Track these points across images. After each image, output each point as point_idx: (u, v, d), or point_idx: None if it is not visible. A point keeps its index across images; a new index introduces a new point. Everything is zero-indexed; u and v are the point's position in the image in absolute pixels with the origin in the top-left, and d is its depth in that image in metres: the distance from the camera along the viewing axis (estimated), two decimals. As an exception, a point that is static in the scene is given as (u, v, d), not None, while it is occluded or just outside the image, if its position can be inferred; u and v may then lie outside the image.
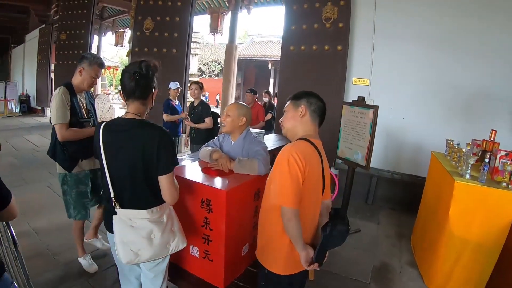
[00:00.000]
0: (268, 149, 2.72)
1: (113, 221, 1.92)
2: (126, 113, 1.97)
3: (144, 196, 1.94)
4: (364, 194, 6.01)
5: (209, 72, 31.49)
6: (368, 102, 4.97)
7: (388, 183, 5.87)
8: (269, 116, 7.58)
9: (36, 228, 4.52)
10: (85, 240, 3.83)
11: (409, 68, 5.55)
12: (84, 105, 3.32)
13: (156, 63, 2.00)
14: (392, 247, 4.46)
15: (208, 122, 5.69)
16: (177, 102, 6.32)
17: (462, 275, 3.27)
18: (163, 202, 1.98)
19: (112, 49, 27.53)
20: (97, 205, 3.73)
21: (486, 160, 3.28)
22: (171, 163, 1.92)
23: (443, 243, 3.32)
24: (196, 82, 5.90)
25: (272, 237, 2.02)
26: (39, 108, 16.53)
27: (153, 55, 7.94)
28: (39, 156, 8.69)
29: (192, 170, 2.59)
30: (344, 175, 4.92)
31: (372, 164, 4.55)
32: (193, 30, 8.35)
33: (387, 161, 5.86)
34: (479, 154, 3.76)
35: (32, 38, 16.75)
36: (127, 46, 8.93)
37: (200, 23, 24.15)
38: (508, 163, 3.10)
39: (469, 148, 3.60)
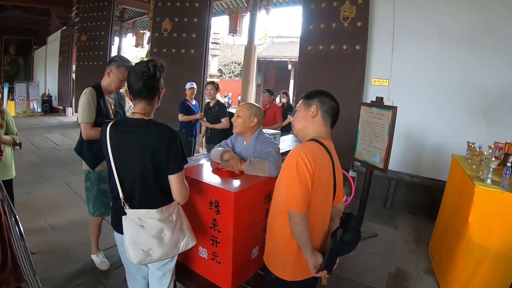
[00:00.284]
0: (284, 150, 2.65)
1: (123, 221, 1.90)
2: (133, 113, 1.96)
3: (153, 196, 1.94)
4: (383, 197, 5.86)
5: (229, 73, 31.65)
6: (387, 103, 4.86)
7: (407, 186, 5.71)
8: (289, 118, 7.49)
9: (52, 224, 4.59)
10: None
11: (430, 68, 5.37)
12: (112, 106, 3.40)
13: (163, 63, 1.98)
14: (409, 253, 4.32)
15: (224, 122, 5.66)
16: (194, 102, 6.31)
17: (481, 284, 3.11)
18: (172, 201, 1.97)
19: (133, 50, 27.90)
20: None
21: (509, 164, 3.11)
22: (181, 162, 1.92)
23: (462, 250, 3.17)
24: (212, 83, 5.90)
25: (279, 241, 1.94)
26: (61, 107, 16.90)
27: (172, 56, 8.06)
28: (59, 154, 8.88)
29: (202, 171, 2.55)
30: (363, 177, 4.81)
31: (391, 167, 4.44)
32: (213, 31, 8.40)
33: (407, 164, 5.70)
34: (501, 157, 3.59)
35: (54, 40, 17.15)
36: (147, 47, 9.02)
37: (220, 24, 24.33)
38: (532, 168, 2.96)
39: (491, 152, 3.46)
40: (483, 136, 4.64)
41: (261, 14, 11.55)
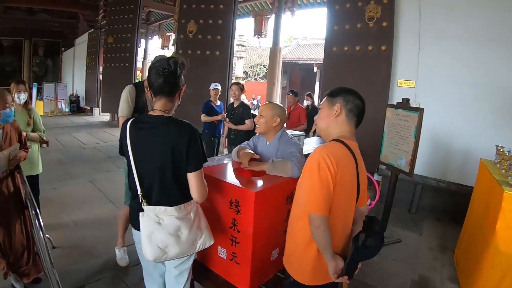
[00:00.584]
0: (307, 152, 2.60)
1: (140, 218, 1.90)
2: (153, 110, 1.95)
3: (172, 193, 1.92)
4: (408, 202, 5.71)
5: (255, 75, 31.71)
6: (414, 105, 4.75)
7: (433, 191, 5.54)
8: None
9: (75, 220, 4.70)
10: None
11: (457, 69, 5.19)
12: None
13: (184, 60, 1.97)
14: (433, 260, 4.18)
15: (248, 123, 5.61)
16: (218, 103, 6.32)
17: (507, 295, 2.98)
18: (190, 199, 1.96)
19: (159, 52, 28.31)
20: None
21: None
22: (200, 160, 1.91)
23: (488, 259, 3.03)
24: (237, 83, 5.89)
25: (299, 244, 1.89)
26: (88, 108, 17.34)
27: (197, 58, 8.14)
28: (85, 153, 9.11)
29: (223, 170, 2.53)
30: (387, 181, 4.71)
31: (416, 171, 4.32)
32: (238, 34, 8.42)
33: (433, 168, 5.53)
34: (532, 162, 3.45)
35: (81, 42, 17.61)
36: (172, 49, 9.15)
37: (245, 26, 24.45)
38: None
39: (521, 156, 3.32)
40: (513, 140, 4.46)
41: (285, 16, 11.50)
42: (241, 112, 5.68)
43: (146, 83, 3.38)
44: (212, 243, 2.04)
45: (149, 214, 1.89)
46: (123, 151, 2.02)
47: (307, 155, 2.18)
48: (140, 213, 1.91)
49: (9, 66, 21.25)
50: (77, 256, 3.78)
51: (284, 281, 2.08)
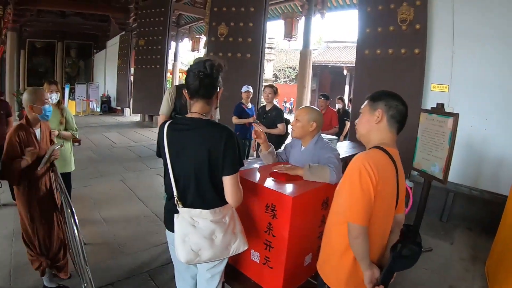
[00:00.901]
0: (340, 156, 2.58)
1: (175, 219, 1.91)
2: (191, 112, 1.96)
3: (207, 196, 1.92)
4: (439, 210, 5.55)
5: (284, 78, 31.71)
6: (447, 109, 4.64)
7: (465, 199, 5.36)
8: (347, 124, 7.35)
9: (105, 218, 4.80)
10: None
11: (493, 73, 4.99)
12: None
13: (221, 63, 1.97)
14: (464, 271, 4.05)
15: (281, 127, 5.56)
16: (250, 105, 6.32)
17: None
18: (226, 202, 1.95)
19: (189, 55, 28.71)
20: None
21: None
22: (236, 164, 1.90)
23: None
24: (271, 86, 5.83)
25: (335, 251, 1.86)
26: (119, 108, 17.75)
27: (228, 60, 8.03)
28: (115, 152, 9.31)
29: (259, 174, 2.52)
30: (419, 188, 4.61)
31: (449, 178, 4.20)
32: (268, 36, 8.42)
33: (466, 175, 5.34)
34: None
35: (113, 44, 18.05)
36: (203, 52, 9.27)
37: (274, 28, 24.50)
38: None
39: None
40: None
41: (315, 19, 11.45)
42: (274, 116, 5.62)
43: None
44: (246, 248, 2.03)
45: (184, 216, 1.90)
46: (160, 152, 2.03)
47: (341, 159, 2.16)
48: (175, 215, 1.92)
49: (42, 67, 21.97)
50: (107, 254, 3.85)
51: (317, 286, 2.05)
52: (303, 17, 11.27)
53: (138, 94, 13.76)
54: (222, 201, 1.94)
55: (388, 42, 5.81)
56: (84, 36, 22.23)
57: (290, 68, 30.77)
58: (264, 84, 8.19)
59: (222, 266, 2.12)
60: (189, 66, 1.97)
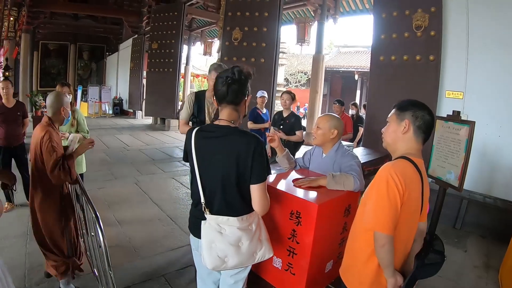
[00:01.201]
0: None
1: (202, 226, 1.92)
2: (219, 119, 1.97)
3: (234, 203, 1.93)
4: (452, 217, 5.51)
5: (295, 82, 31.67)
6: (462, 117, 4.64)
7: (479, 207, 5.32)
8: (361, 130, 7.35)
9: (120, 220, 4.81)
10: None
11: (508, 80, 4.97)
12: (210, 108, 3.73)
13: (250, 69, 1.99)
14: (478, 279, 4.04)
15: (299, 134, 5.51)
16: (264, 110, 6.31)
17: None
18: (253, 210, 1.96)
19: (201, 58, 28.81)
20: None
21: None
22: (265, 172, 1.90)
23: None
24: (288, 92, 5.77)
25: (359, 258, 1.89)
26: (131, 111, 17.93)
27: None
28: (128, 154, 9.37)
29: (283, 181, 2.53)
30: (433, 195, 4.60)
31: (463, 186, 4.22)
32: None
33: (480, 182, 5.31)
34: None
35: (126, 47, 18.18)
36: (215, 56, 9.33)
37: (286, 33, 24.46)
38: None
39: None
40: None
41: (328, 24, 11.46)
42: (293, 123, 5.55)
43: (204, 90, 3.73)
44: (271, 255, 2.03)
45: (211, 223, 1.91)
46: (187, 157, 2.05)
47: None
48: (202, 222, 1.93)
49: (54, 68, 22.30)
50: (122, 256, 3.85)
51: (339, 291, 2.07)
52: (316, 22, 11.30)
53: (151, 97, 13.87)
54: (248, 209, 1.95)
55: (403, 49, 5.79)
56: (96, 38, 22.57)
57: (302, 72, 30.73)
58: (286, 89, 8.21)
59: (246, 272, 2.13)
60: (218, 74, 2.00)
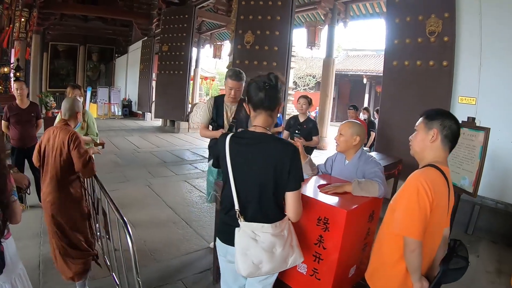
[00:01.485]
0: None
1: (236, 233, 1.92)
2: (254, 126, 1.98)
3: (269, 210, 1.94)
4: (464, 223, 5.49)
5: (304, 86, 31.65)
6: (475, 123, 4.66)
7: (491, 212, 5.30)
8: (372, 135, 7.36)
9: (134, 223, 4.74)
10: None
11: None
12: (229, 112, 3.83)
13: (282, 77, 2.01)
14: (490, 284, 4.04)
15: (316, 140, 5.49)
16: (278, 114, 6.25)
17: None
18: (284, 216, 1.97)
19: (210, 61, 28.95)
20: None
21: None
22: (300, 179, 1.92)
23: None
24: (305, 97, 5.71)
25: (387, 263, 1.94)
26: (140, 112, 18.04)
27: (254, 68, 8.26)
28: (139, 156, 9.41)
29: (308, 187, 2.54)
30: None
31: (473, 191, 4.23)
32: (291, 44, 8.45)
33: (492, 188, 5.28)
34: None
35: (135, 49, 18.25)
36: (224, 58, 9.37)
37: (295, 36, 24.59)
38: None
39: None
40: None
41: (338, 27, 11.52)
42: (310, 128, 5.51)
43: (223, 95, 3.82)
44: (302, 260, 2.04)
45: (246, 230, 1.91)
46: (218, 164, 2.06)
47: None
48: (236, 229, 1.92)
49: (64, 70, 22.45)
50: (138, 260, 3.82)
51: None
52: (326, 26, 11.34)
53: (160, 99, 13.97)
54: (281, 215, 1.96)
55: (416, 54, 5.80)
56: (105, 40, 22.75)
57: (310, 76, 30.68)
58: (302, 94, 8.21)
59: (273, 278, 2.13)
60: (251, 79, 2.02)
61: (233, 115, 3.79)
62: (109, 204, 3.01)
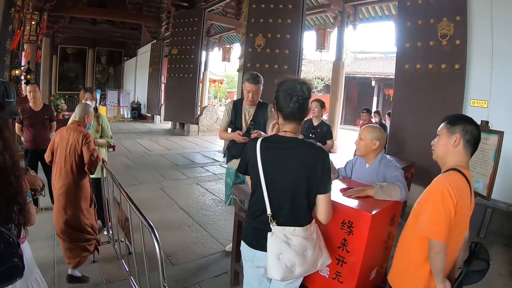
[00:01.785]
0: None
1: (269, 237, 1.92)
2: (284, 131, 1.99)
3: (301, 214, 1.96)
4: (477, 226, 5.49)
5: (313, 88, 31.59)
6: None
7: (503, 216, 5.27)
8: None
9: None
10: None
11: None
12: (247, 115, 3.88)
13: (311, 84, 2.04)
14: (503, 287, 4.03)
15: (330, 143, 5.47)
16: None
17: None
18: (313, 219, 2.01)
19: (218, 64, 29.06)
20: None
21: None
22: (330, 182, 1.96)
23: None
24: (318, 100, 5.68)
25: (411, 265, 1.99)
26: (149, 115, 18.13)
27: (265, 71, 8.19)
28: (150, 159, 9.45)
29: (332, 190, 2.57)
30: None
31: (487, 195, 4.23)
32: (298, 47, 8.45)
33: (504, 191, 5.24)
34: None
35: (144, 52, 18.34)
36: (233, 61, 9.41)
37: (303, 39, 24.46)
38: None
39: None
40: None
41: (348, 30, 11.57)
42: (325, 131, 5.49)
43: (242, 98, 3.87)
44: (330, 262, 2.07)
45: (278, 234, 1.91)
46: (246, 169, 2.07)
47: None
48: (269, 233, 1.92)
49: (73, 72, 22.62)
50: (154, 263, 3.77)
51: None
52: (336, 29, 11.36)
53: (170, 102, 14.07)
54: (310, 218, 2.00)
55: (428, 57, 5.79)
56: (114, 43, 22.93)
57: (319, 78, 30.63)
58: (315, 98, 8.20)
59: (299, 281, 2.13)
60: (279, 87, 2.00)
61: (251, 118, 3.84)
62: (131, 207, 3.02)
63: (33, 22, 16.15)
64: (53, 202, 5.04)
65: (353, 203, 2.29)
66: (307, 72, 29.37)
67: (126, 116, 18.36)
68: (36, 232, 4.21)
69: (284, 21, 8.27)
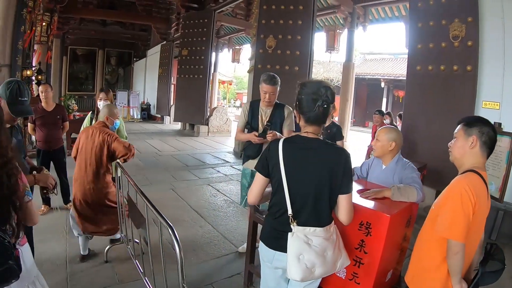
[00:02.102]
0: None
1: (289, 238, 1.92)
2: (306, 132, 2.01)
3: (323, 214, 1.97)
4: (488, 228, 5.46)
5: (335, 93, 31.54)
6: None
7: None
8: None
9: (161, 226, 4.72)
10: None
11: None
12: (263, 116, 3.93)
13: (333, 87, 2.04)
14: None
15: (340, 144, 5.46)
16: None
17: None
18: (332, 220, 2.02)
19: (227, 65, 29.09)
20: None
21: None
22: (352, 183, 1.98)
23: None
24: None
25: (428, 266, 2.02)
26: (159, 116, 18.23)
27: (275, 72, 8.00)
28: (161, 160, 9.49)
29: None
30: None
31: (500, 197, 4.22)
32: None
33: None
34: None
35: (154, 53, 18.42)
36: (243, 63, 9.43)
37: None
38: None
39: None
40: None
41: (358, 31, 11.51)
42: (335, 132, 5.47)
43: (259, 99, 3.91)
44: (348, 263, 2.08)
45: (299, 235, 1.91)
46: (267, 169, 2.04)
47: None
48: (289, 234, 1.92)
49: (83, 73, 22.77)
50: (169, 265, 3.80)
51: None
52: (346, 30, 11.34)
53: (180, 103, 14.11)
54: (331, 219, 2.01)
55: (440, 59, 5.78)
56: (124, 44, 23.09)
57: (328, 79, 30.64)
58: None
59: (318, 282, 2.14)
60: (301, 89, 2.01)
61: (267, 119, 3.87)
62: (148, 207, 3.05)
63: (44, 23, 16.31)
64: (64, 202, 5.17)
65: (371, 204, 2.32)
66: (316, 73, 29.28)
67: (136, 117, 18.52)
68: (48, 231, 4.32)
69: (295, 22, 8.30)
